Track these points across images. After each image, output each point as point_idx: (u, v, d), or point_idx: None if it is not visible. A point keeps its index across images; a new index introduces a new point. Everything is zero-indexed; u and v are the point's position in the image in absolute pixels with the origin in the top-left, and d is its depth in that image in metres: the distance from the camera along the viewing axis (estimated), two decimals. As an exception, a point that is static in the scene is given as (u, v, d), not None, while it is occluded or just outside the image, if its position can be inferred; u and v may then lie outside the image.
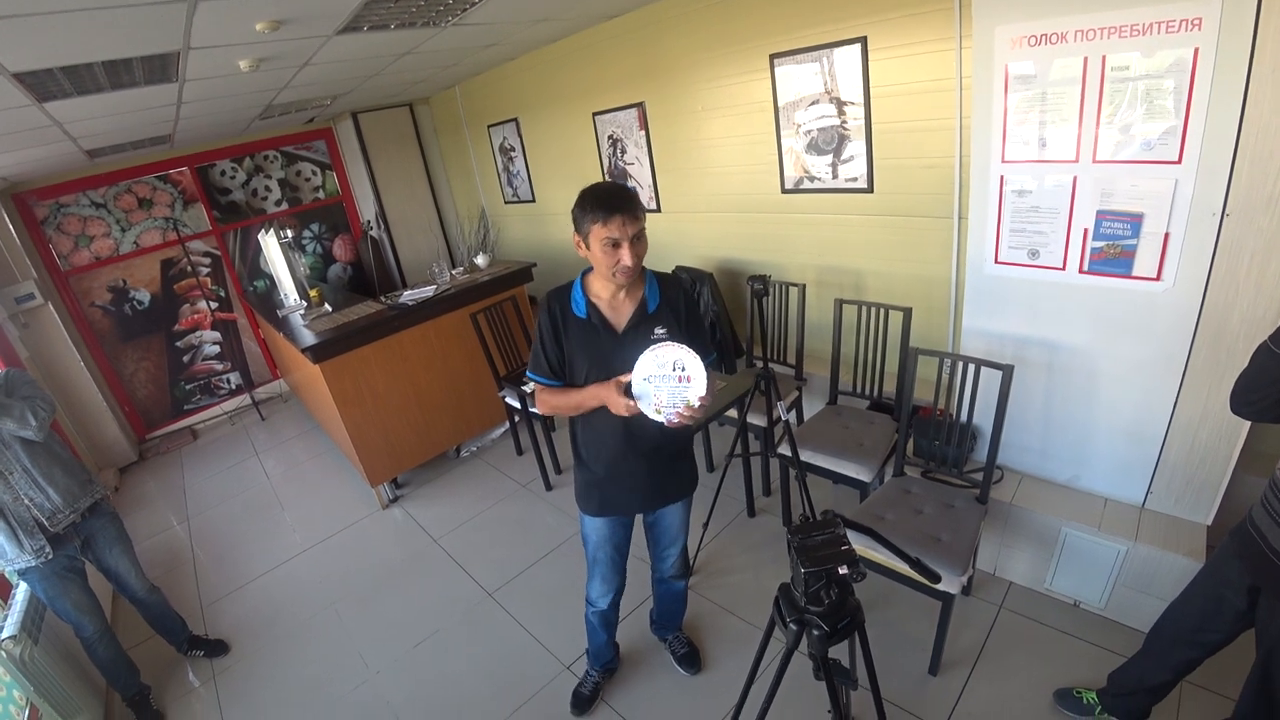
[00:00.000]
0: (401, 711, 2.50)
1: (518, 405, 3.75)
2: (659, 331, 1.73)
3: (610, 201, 1.59)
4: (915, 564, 1.44)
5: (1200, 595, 1.69)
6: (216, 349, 5.99)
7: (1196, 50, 1.73)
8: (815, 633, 1.24)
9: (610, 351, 1.73)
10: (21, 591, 2.57)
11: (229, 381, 6.11)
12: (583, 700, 2.36)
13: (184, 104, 3.46)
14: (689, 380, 1.55)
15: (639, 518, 2.15)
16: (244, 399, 6.02)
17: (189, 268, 5.69)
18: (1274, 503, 1.43)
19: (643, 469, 1.90)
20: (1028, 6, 2.01)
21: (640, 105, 4.32)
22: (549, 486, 3.81)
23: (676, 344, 1.57)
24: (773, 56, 3.42)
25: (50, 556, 2.31)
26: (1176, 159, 1.85)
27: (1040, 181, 2.18)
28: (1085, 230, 2.11)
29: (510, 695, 2.47)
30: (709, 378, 1.57)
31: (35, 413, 2.24)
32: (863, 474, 2.70)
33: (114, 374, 5.49)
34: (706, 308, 3.83)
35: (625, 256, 1.61)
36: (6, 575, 2.57)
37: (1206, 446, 2.10)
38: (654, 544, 2.20)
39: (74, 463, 2.46)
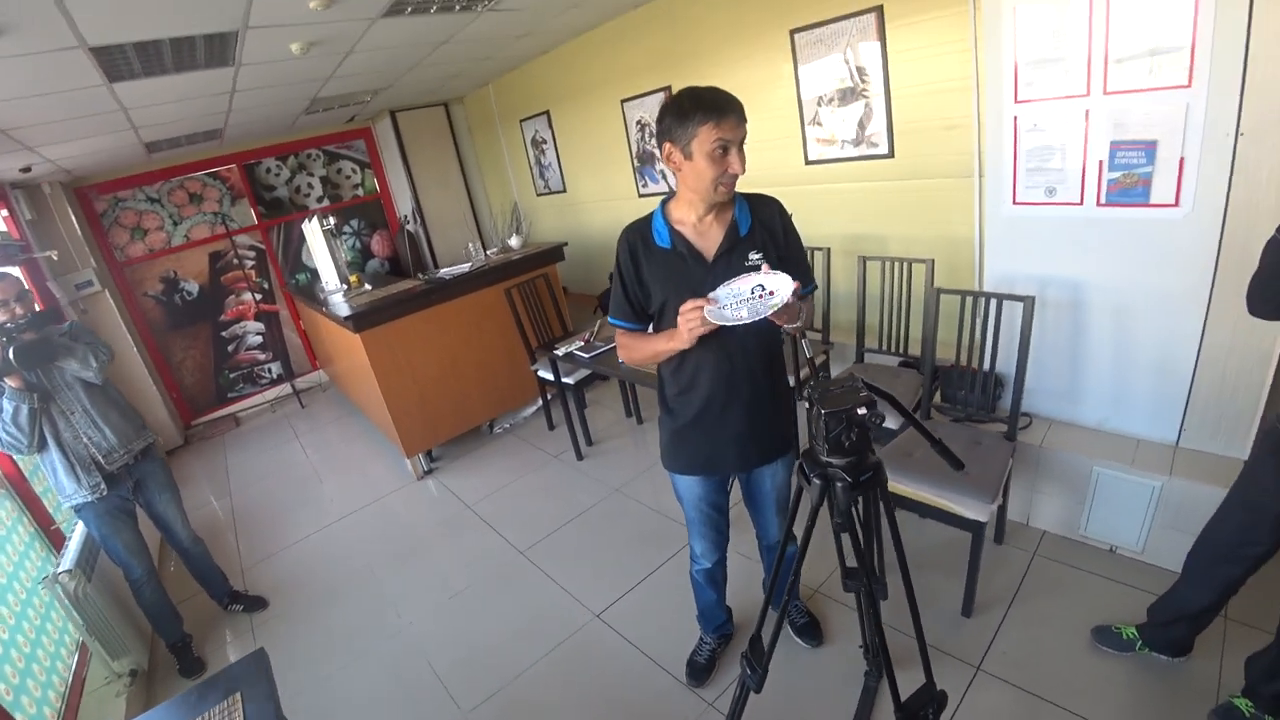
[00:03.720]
0: (434, 658, 2.58)
1: (550, 377, 3.86)
2: (754, 257, 1.56)
3: (719, 101, 1.43)
4: (937, 444, 1.45)
5: (1238, 507, 1.68)
6: (259, 339, 6.28)
7: (1202, -30, 1.77)
8: (839, 485, 1.30)
9: (700, 283, 1.52)
10: (78, 534, 2.75)
11: (270, 371, 6.38)
12: (699, 669, 2.19)
13: (238, 92, 3.71)
14: (772, 294, 1.36)
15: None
16: (284, 388, 6.29)
17: (235, 260, 6.00)
18: None
19: (740, 420, 1.71)
20: (1036, -53, 2.08)
21: (667, 89, 4.46)
22: (580, 456, 3.91)
23: (751, 273, 1.41)
24: (793, 32, 3.53)
25: (105, 493, 2.48)
26: (1186, 82, 1.89)
27: (1053, 118, 2.22)
28: (1100, 163, 2.15)
29: (540, 641, 2.53)
30: (797, 287, 1.37)
31: (97, 355, 2.44)
32: (890, 423, 2.73)
33: (163, 361, 5.80)
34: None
35: (735, 163, 1.46)
36: (65, 512, 2.74)
37: (1237, 377, 2.10)
38: (756, 510, 1.99)
39: (128, 408, 2.65)
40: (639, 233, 1.64)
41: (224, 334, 6.09)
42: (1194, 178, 1.96)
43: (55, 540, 2.91)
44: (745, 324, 1.36)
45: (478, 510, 3.60)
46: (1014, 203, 2.44)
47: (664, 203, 1.64)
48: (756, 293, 1.37)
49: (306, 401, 6.15)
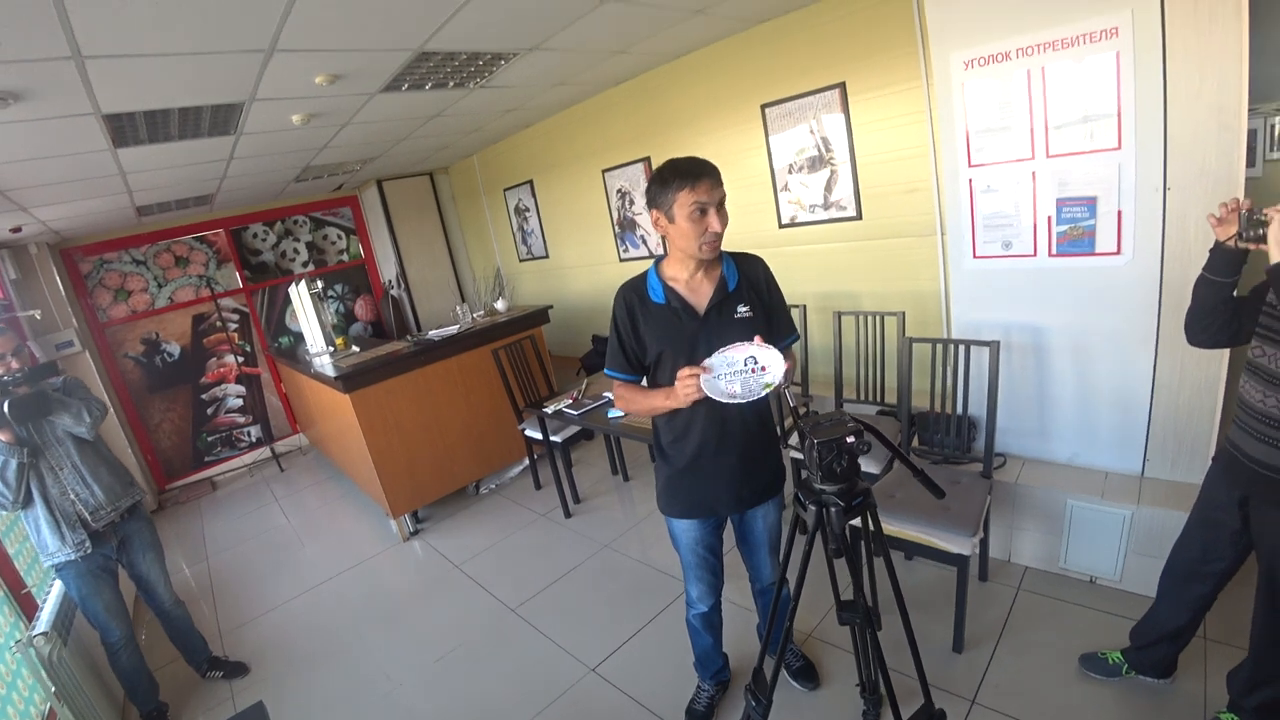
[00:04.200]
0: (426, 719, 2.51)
1: (538, 436, 3.91)
2: (741, 310, 1.68)
3: (694, 168, 1.58)
4: (919, 474, 1.57)
5: (1198, 525, 1.80)
6: (240, 402, 6.22)
7: (1118, 53, 2.05)
8: (833, 510, 1.39)
9: (694, 334, 1.67)
10: (54, 595, 2.66)
11: (250, 434, 6.30)
12: (698, 717, 2.19)
13: (234, 159, 3.86)
14: (764, 369, 1.48)
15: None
16: (264, 451, 6.19)
17: (219, 323, 6.02)
18: (1243, 417, 1.59)
19: (733, 464, 1.80)
20: (976, 34, 2.37)
21: (647, 159, 4.74)
22: (568, 514, 3.91)
23: (744, 343, 1.51)
24: (763, 106, 3.84)
25: (89, 551, 2.43)
26: (1117, 145, 2.14)
27: (1004, 179, 2.46)
28: (1049, 218, 2.38)
29: (536, 698, 2.48)
30: (783, 359, 1.50)
31: (90, 411, 2.45)
32: (871, 467, 2.84)
33: (140, 423, 5.70)
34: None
35: (714, 223, 1.58)
36: (44, 571, 2.66)
37: (1190, 406, 2.27)
38: (749, 552, 2.04)
39: (118, 464, 2.63)
40: (635, 290, 1.76)
41: (204, 396, 6.04)
42: (1132, 228, 2.19)
43: (26, 606, 2.80)
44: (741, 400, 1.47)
45: (466, 570, 3.55)
46: (974, 256, 2.65)
47: (657, 262, 1.78)
48: (749, 365, 1.49)
49: (286, 465, 6.05)
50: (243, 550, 4.45)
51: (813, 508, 1.42)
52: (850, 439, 1.33)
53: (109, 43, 1.96)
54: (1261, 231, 1.41)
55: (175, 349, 5.89)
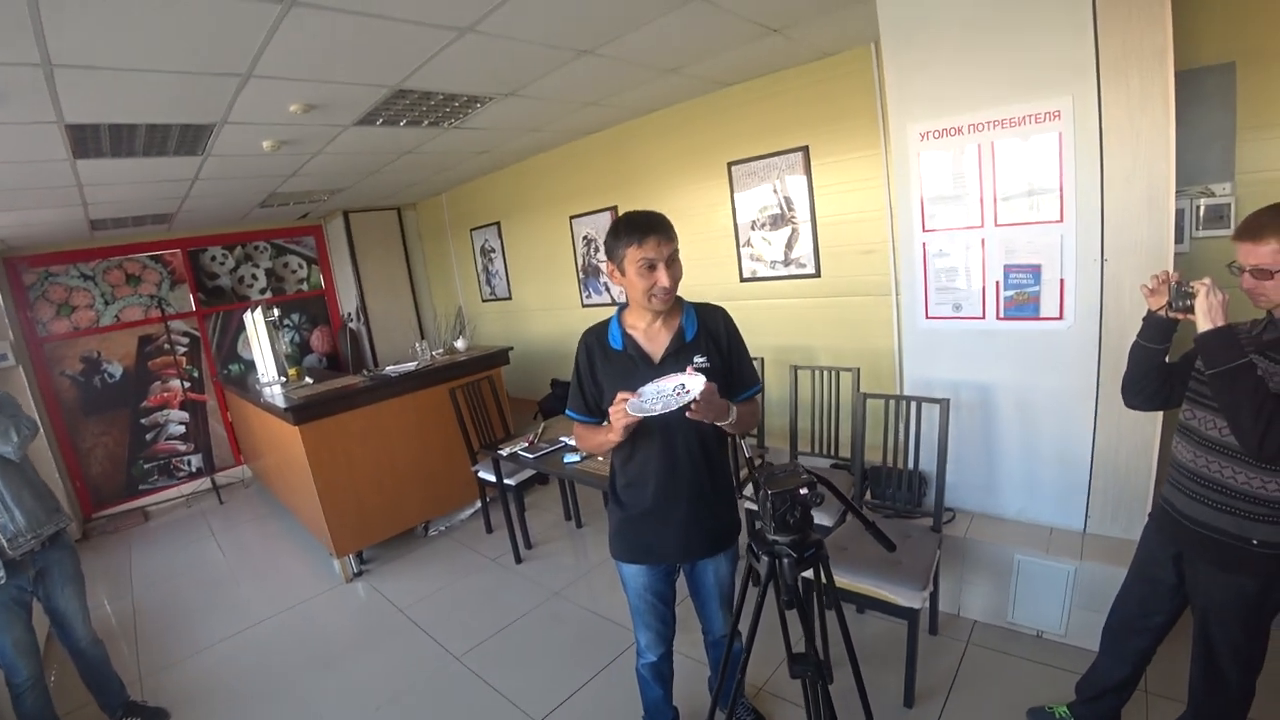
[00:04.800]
0: (360, 773, 2.37)
1: (492, 479, 3.83)
2: (698, 360, 1.69)
3: (644, 223, 1.62)
4: (870, 526, 1.60)
5: (1136, 581, 1.86)
6: (182, 429, 5.95)
7: (1061, 134, 2.22)
8: (785, 561, 1.39)
9: (646, 381, 1.64)
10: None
11: (190, 463, 6.00)
12: None
13: (199, 180, 3.79)
14: (688, 392, 1.50)
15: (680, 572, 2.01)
16: (203, 482, 5.90)
17: (167, 345, 5.79)
18: (1175, 476, 1.68)
19: (683, 512, 1.80)
20: (932, 108, 2.53)
21: (614, 208, 4.84)
22: (519, 559, 3.80)
23: (677, 374, 1.56)
24: (730, 163, 3.99)
25: (3, 582, 2.25)
26: (1059, 219, 2.29)
27: (955, 245, 2.59)
28: (997, 283, 2.50)
29: (477, 751, 2.37)
30: (715, 391, 1.53)
31: (19, 429, 2.30)
32: (824, 519, 2.86)
33: (71, 447, 5.39)
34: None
35: (662, 277, 1.62)
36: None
37: (1127, 465, 2.37)
38: (700, 603, 2.02)
39: (44, 488, 2.47)
40: (596, 335, 1.81)
41: (144, 421, 5.76)
42: (1073, 295, 2.32)
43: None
44: (663, 415, 1.49)
45: (411, 614, 3.40)
46: (926, 317, 2.76)
47: (620, 310, 1.82)
48: (676, 391, 1.52)
49: (226, 497, 5.77)
50: (172, 586, 4.17)
51: (765, 558, 1.42)
52: (804, 491, 1.36)
53: (81, 53, 1.94)
54: (1189, 303, 1.51)
55: (117, 370, 5.63)
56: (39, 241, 5.05)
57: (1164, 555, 1.74)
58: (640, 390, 1.56)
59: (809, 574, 1.54)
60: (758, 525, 1.49)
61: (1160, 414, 2.23)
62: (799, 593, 1.41)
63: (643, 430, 1.71)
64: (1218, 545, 1.56)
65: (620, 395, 1.57)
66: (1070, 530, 2.56)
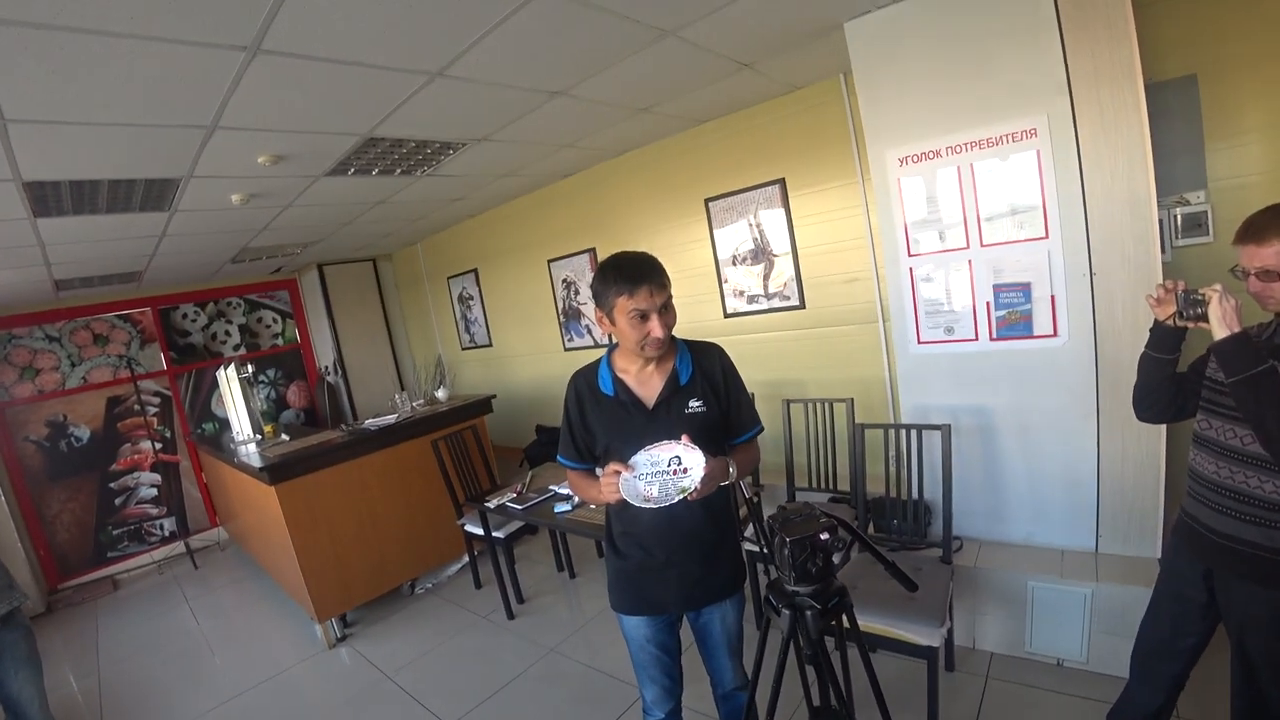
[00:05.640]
0: None
1: (479, 532, 3.67)
2: (694, 405, 1.62)
3: (635, 271, 1.52)
4: (891, 566, 1.51)
5: (1164, 600, 1.76)
6: (154, 491, 5.71)
7: (1039, 152, 2.23)
8: (809, 613, 1.28)
9: (641, 428, 1.59)
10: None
11: (162, 528, 5.74)
12: None
13: (166, 236, 3.69)
14: (686, 471, 1.43)
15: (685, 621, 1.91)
16: (177, 546, 5.65)
17: (137, 406, 5.59)
18: (1196, 489, 1.61)
19: (684, 559, 1.70)
20: (909, 132, 2.54)
21: (592, 250, 4.82)
22: (511, 615, 3.63)
23: (672, 442, 1.47)
24: (707, 200, 3.99)
25: None
26: (1044, 235, 2.28)
27: (943, 268, 2.57)
28: (988, 303, 2.48)
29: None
30: (715, 463, 1.47)
31: None
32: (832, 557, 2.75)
33: (35, 516, 5.13)
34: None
35: (655, 328, 1.53)
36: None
37: (1135, 481, 2.31)
38: (707, 654, 1.89)
39: None
40: (586, 379, 1.72)
41: (113, 485, 5.52)
42: (1065, 311, 2.30)
43: None
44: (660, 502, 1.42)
45: (398, 680, 3.19)
46: (919, 342, 2.72)
47: (610, 351, 1.73)
48: (672, 465, 1.44)
49: (201, 561, 5.52)
50: (142, 660, 3.92)
51: (787, 611, 1.31)
52: (824, 536, 1.25)
53: (36, 107, 1.87)
54: (1201, 310, 1.47)
55: (85, 432, 5.41)
56: (1, 303, 4.89)
57: (1192, 572, 1.65)
58: (633, 461, 1.49)
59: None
60: (774, 574, 1.38)
61: (1164, 426, 2.19)
62: (823, 645, 1.30)
63: None
64: (1248, 559, 1.49)
65: (612, 467, 1.50)
66: (1082, 551, 2.48)
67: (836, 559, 1.31)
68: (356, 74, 2.13)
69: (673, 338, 1.66)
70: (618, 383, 1.67)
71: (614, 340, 1.71)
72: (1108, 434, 2.32)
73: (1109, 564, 2.38)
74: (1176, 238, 2.54)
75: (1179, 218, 2.52)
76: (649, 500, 1.44)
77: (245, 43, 1.78)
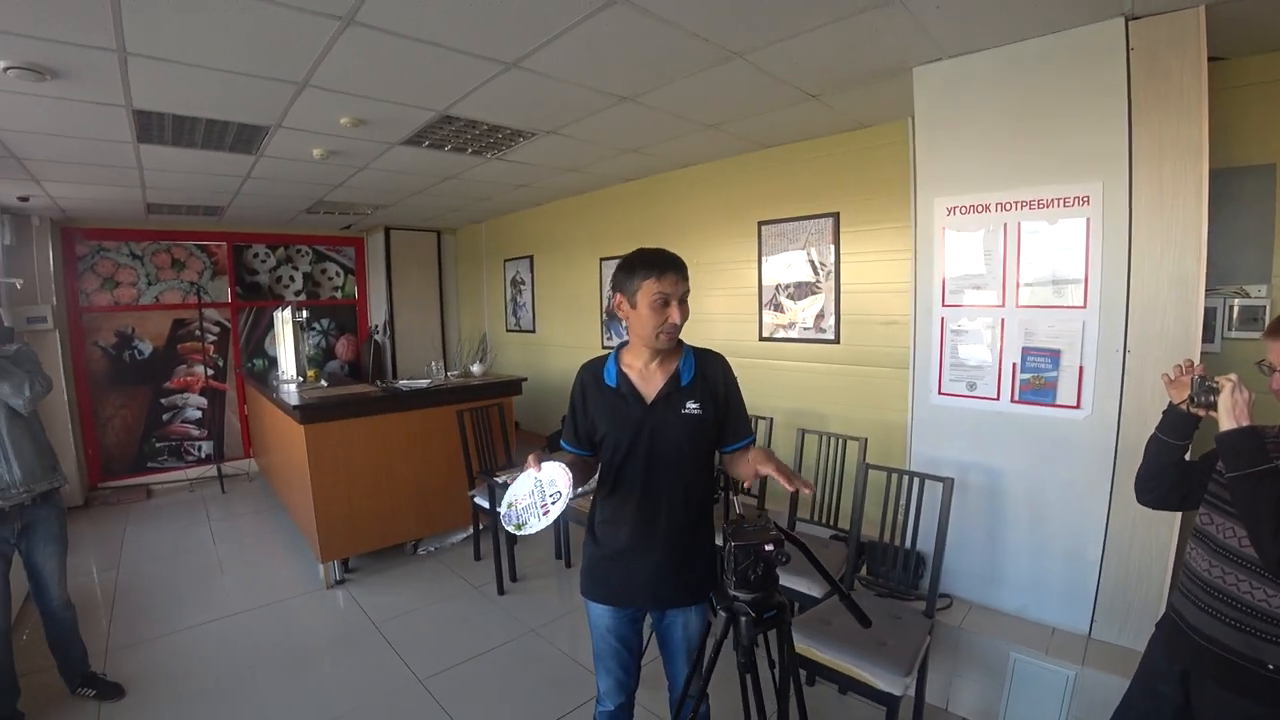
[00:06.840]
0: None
1: (486, 505, 3.79)
2: (690, 406, 1.70)
3: (663, 259, 1.64)
4: (846, 599, 1.52)
5: (1138, 697, 1.69)
6: (199, 414, 6.09)
7: (1088, 220, 2.19)
8: (743, 619, 1.32)
9: (639, 422, 1.69)
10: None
11: (200, 449, 6.12)
12: None
13: (251, 178, 3.96)
14: (553, 483, 1.50)
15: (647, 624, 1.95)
16: (210, 469, 5.99)
17: (198, 331, 5.99)
18: (1187, 584, 1.55)
19: (657, 559, 1.75)
20: (960, 183, 2.53)
21: (643, 253, 4.89)
22: (502, 591, 3.72)
23: (524, 475, 1.55)
24: (760, 223, 4.02)
25: None
26: (1082, 304, 2.24)
27: (974, 323, 2.54)
28: (1014, 364, 2.44)
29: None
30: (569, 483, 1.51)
31: (33, 384, 2.36)
32: (814, 590, 2.74)
33: (90, 415, 5.55)
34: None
35: (674, 314, 1.63)
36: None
37: (1140, 568, 2.23)
38: (668, 657, 1.92)
39: (45, 444, 2.51)
40: (592, 370, 1.82)
41: (163, 400, 5.93)
42: (1092, 384, 2.24)
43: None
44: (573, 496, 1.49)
45: (383, 630, 3.32)
46: (940, 393, 2.69)
47: (618, 348, 1.82)
48: (536, 491, 1.50)
49: (230, 488, 5.84)
50: (158, 566, 4.20)
51: (723, 613, 1.35)
52: (769, 547, 1.29)
53: (155, 44, 2.07)
54: (1212, 399, 1.44)
55: (147, 347, 5.84)
56: (96, 216, 5.32)
57: (1170, 670, 1.59)
58: (506, 496, 1.56)
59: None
60: (721, 576, 1.42)
61: (1178, 515, 2.11)
62: (755, 658, 1.33)
63: (626, 468, 1.71)
64: (1228, 665, 1.43)
65: (531, 456, 1.58)
66: (1074, 633, 2.41)
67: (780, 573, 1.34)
68: (437, 55, 2.28)
69: (680, 342, 1.74)
70: (621, 376, 1.75)
71: (626, 336, 1.79)
72: (1118, 517, 2.25)
73: (1099, 650, 2.29)
74: (1229, 329, 2.44)
75: (1235, 309, 2.42)
76: (527, 525, 1.50)
77: (342, 13, 1.94)
